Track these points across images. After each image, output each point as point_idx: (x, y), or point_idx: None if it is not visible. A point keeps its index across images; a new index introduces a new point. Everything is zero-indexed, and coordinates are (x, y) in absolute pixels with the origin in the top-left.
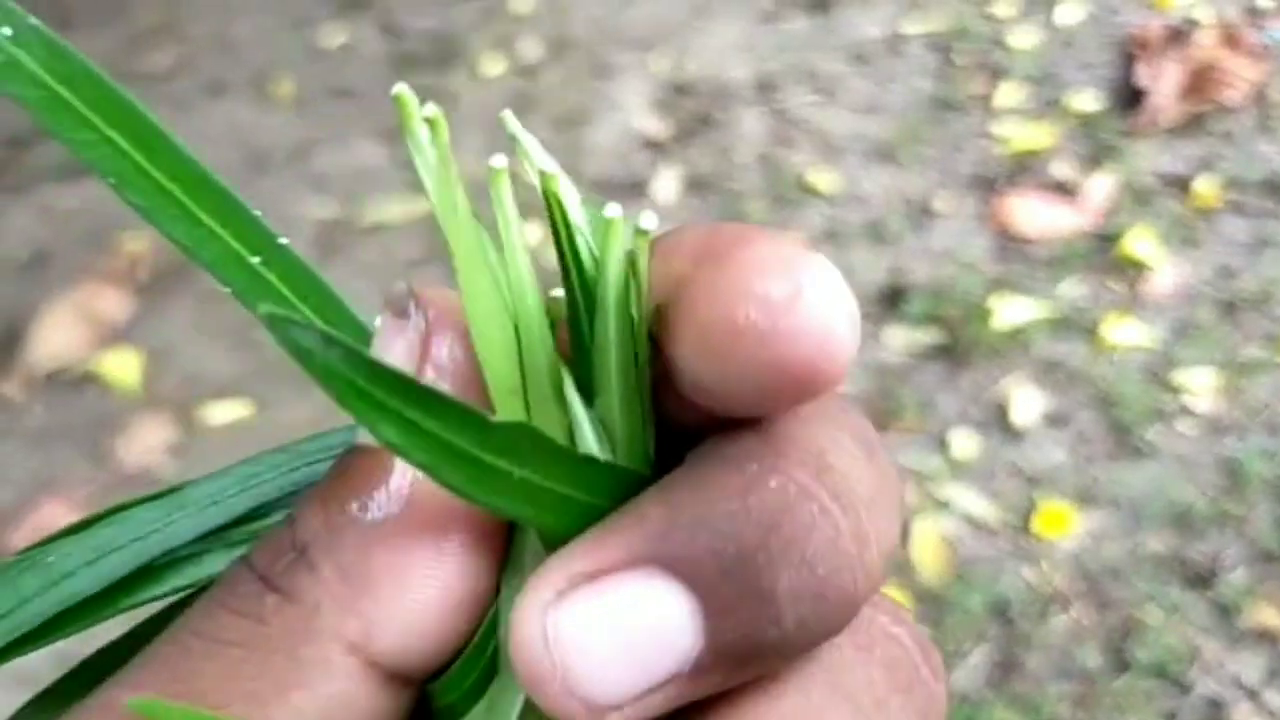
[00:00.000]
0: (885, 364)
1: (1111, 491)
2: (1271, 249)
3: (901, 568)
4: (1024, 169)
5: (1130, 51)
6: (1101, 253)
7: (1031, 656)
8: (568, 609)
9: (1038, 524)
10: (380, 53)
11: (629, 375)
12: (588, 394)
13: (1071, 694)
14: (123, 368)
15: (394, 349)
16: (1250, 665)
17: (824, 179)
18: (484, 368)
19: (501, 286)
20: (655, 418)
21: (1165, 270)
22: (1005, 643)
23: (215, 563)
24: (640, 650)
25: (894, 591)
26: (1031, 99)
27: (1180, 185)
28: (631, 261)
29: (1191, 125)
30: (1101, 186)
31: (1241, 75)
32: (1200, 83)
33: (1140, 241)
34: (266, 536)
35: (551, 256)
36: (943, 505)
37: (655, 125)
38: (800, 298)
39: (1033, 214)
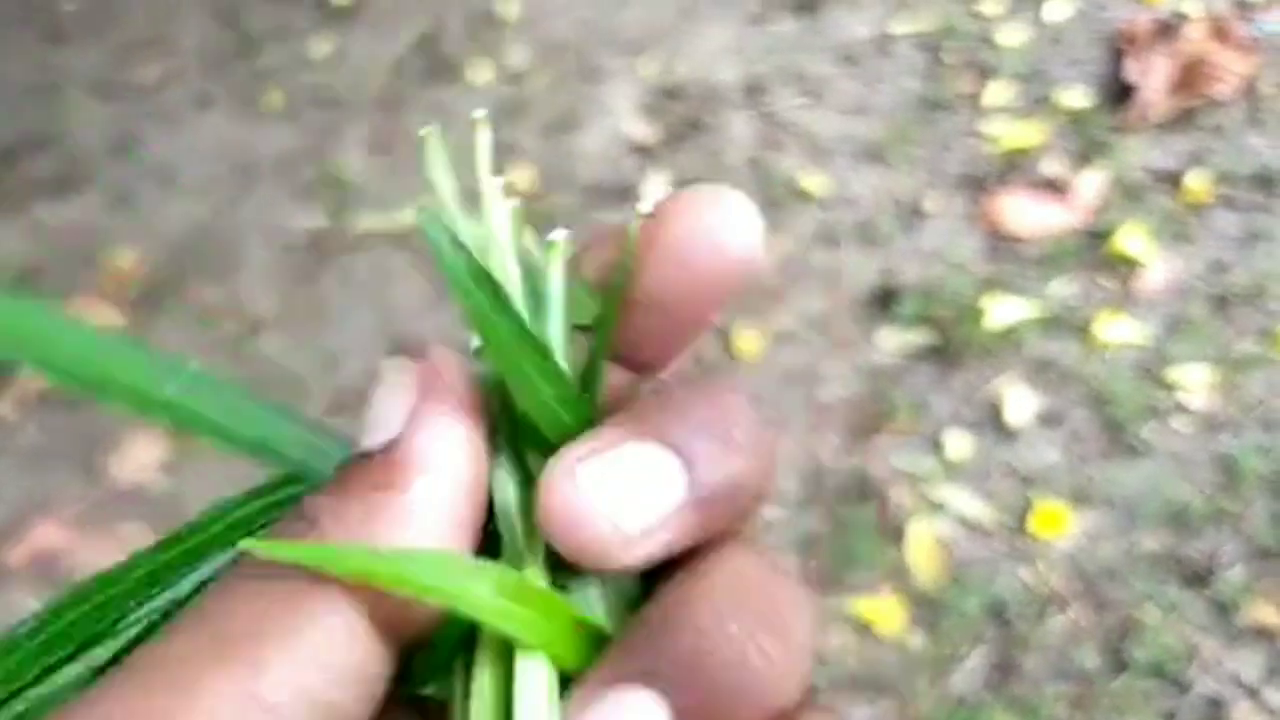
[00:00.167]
0: (877, 366)
1: (1107, 490)
2: (1263, 243)
3: (897, 571)
4: (1014, 167)
5: (1119, 47)
6: (1093, 250)
7: (1029, 658)
8: (588, 468)
9: (1033, 524)
10: (368, 62)
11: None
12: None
13: (1070, 695)
14: None
15: (397, 394)
16: (1249, 663)
17: (814, 181)
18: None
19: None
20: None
21: (1157, 266)
22: (1002, 645)
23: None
24: (646, 492)
25: (890, 596)
26: (1020, 97)
27: (1171, 180)
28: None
29: (1181, 120)
30: (1092, 183)
31: (1231, 68)
32: (1190, 77)
33: (1131, 238)
34: (273, 528)
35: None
36: (937, 507)
37: (644, 130)
38: (729, 225)
39: (1023, 212)
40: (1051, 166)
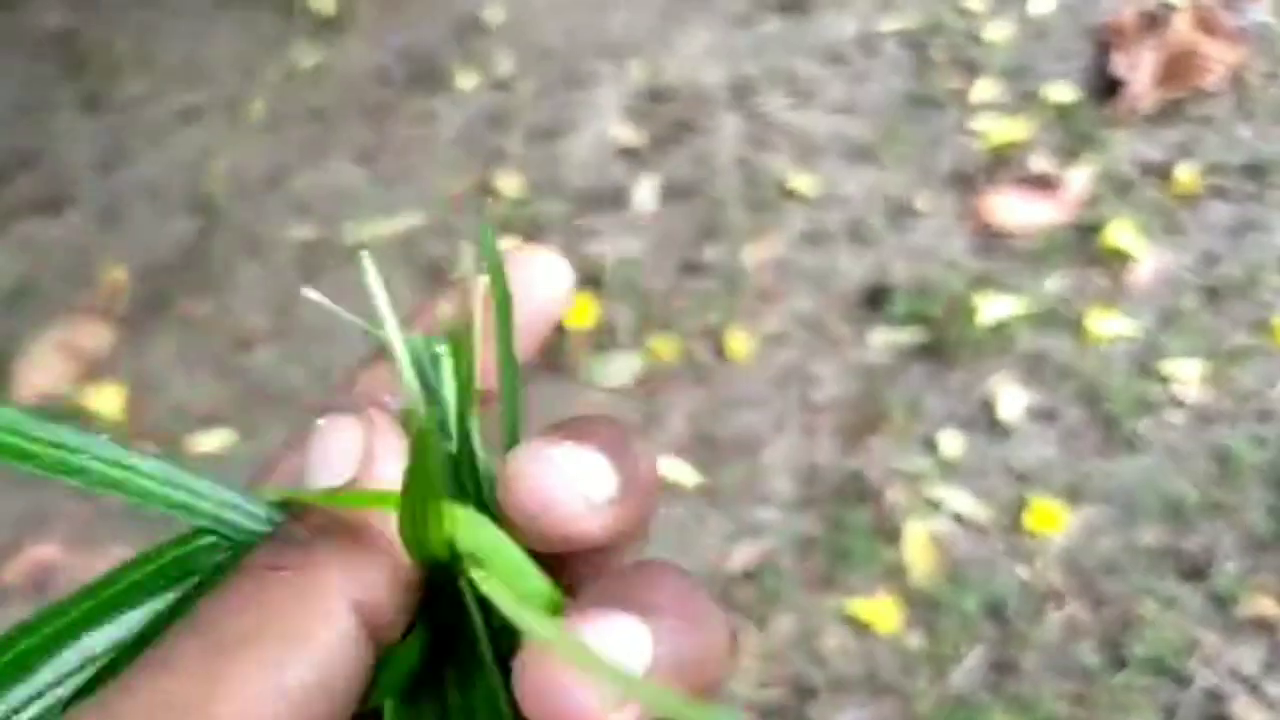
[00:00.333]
0: (870, 365)
1: (1103, 486)
2: (1255, 233)
3: (894, 571)
4: (1003, 163)
5: (1105, 40)
6: (1083, 245)
7: (1028, 656)
8: (554, 449)
9: (1030, 522)
10: (353, 72)
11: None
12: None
13: (1070, 693)
14: (106, 400)
15: (335, 444)
16: (1249, 656)
17: (803, 181)
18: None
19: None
20: None
21: (1148, 259)
22: (1001, 643)
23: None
24: (600, 472)
25: (887, 596)
26: (1008, 93)
27: (1160, 173)
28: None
29: (1170, 112)
30: (1081, 178)
31: (1219, 59)
32: (1178, 68)
33: (1122, 231)
34: (259, 547)
35: None
36: (933, 506)
37: (632, 133)
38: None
39: (1013, 209)
40: (1040, 162)
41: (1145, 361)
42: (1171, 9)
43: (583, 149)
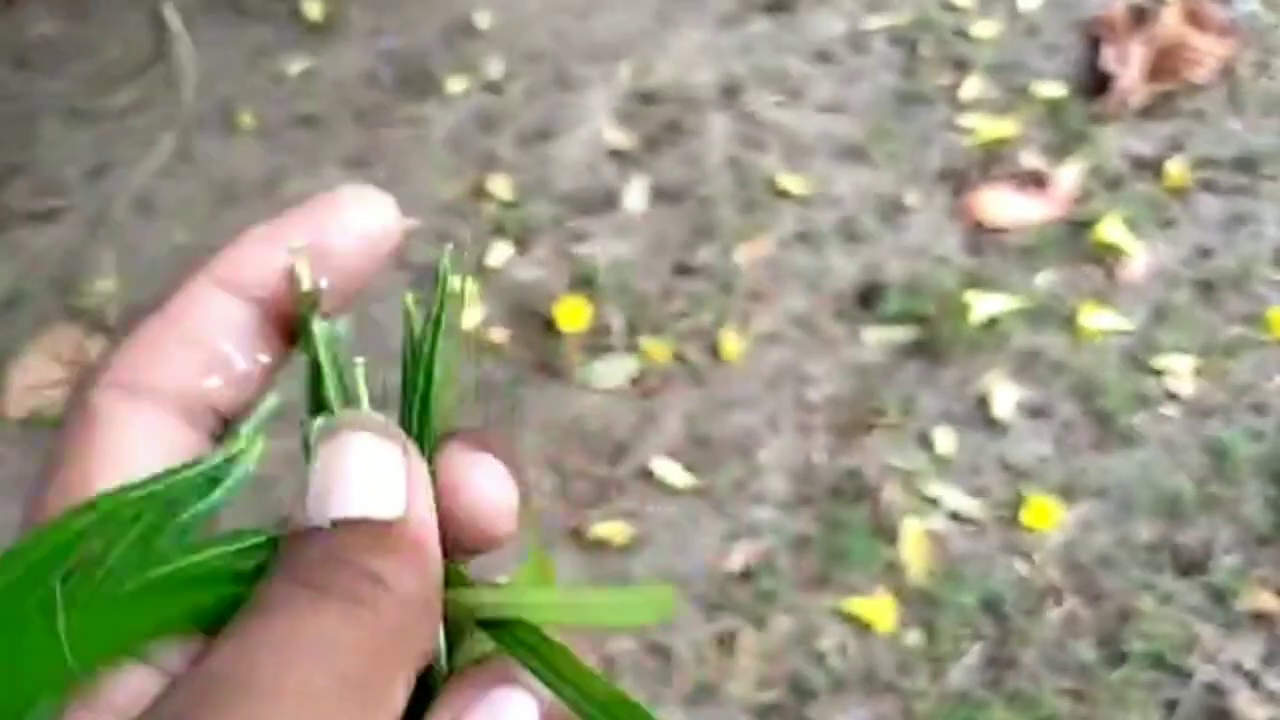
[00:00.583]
0: (864, 363)
1: (1098, 481)
2: (1246, 226)
3: (891, 569)
4: (993, 160)
5: (1095, 34)
6: (1075, 240)
7: (1027, 652)
8: (484, 457)
9: (1026, 518)
10: (343, 77)
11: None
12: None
13: (1070, 689)
14: None
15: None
16: (1248, 650)
17: (794, 180)
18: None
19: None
20: None
21: (1140, 254)
22: (1000, 640)
23: None
24: (511, 482)
25: (885, 594)
26: (997, 89)
27: (1151, 167)
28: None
29: (1160, 106)
30: (1072, 173)
31: (1209, 52)
32: (1167, 62)
33: (1113, 227)
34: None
35: None
36: (929, 503)
37: (622, 135)
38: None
39: (1004, 205)
40: (1031, 158)
41: (1139, 356)
42: (1160, 3)
43: (573, 151)
